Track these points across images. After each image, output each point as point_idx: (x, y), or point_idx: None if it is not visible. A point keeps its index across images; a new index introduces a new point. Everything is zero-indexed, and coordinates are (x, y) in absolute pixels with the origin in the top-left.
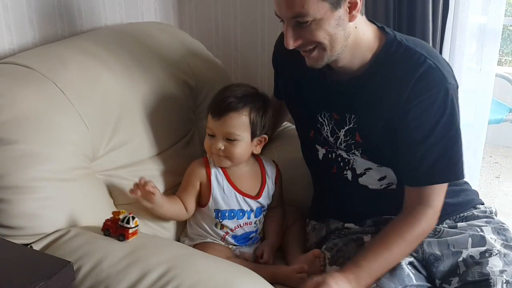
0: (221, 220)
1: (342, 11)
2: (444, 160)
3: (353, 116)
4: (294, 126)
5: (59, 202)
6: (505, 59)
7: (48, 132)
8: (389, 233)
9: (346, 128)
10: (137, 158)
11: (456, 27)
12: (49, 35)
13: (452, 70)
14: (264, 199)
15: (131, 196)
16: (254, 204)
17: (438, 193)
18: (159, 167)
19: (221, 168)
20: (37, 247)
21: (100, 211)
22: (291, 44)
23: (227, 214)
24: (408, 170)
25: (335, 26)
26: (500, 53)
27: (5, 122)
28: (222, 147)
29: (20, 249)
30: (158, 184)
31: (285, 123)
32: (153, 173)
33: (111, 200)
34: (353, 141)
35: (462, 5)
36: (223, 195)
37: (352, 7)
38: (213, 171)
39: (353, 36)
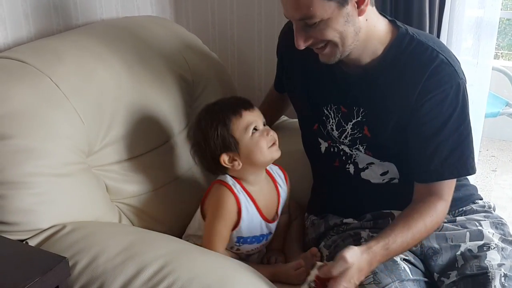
0: (240, 245)
1: (350, 7)
2: (456, 155)
3: (361, 110)
4: (291, 120)
5: (55, 198)
6: (501, 53)
7: (43, 127)
8: (411, 215)
9: (354, 121)
10: (133, 153)
11: (452, 21)
12: (44, 29)
13: (460, 65)
14: (279, 218)
15: None
16: (273, 226)
17: (450, 187)
18: (156, 162)
19: (243, 188)
20: (32, 242)
21: (96, 206)
22: (301, 45)
23: (248, 240)
24: (419, 166)
25: (344, 23)
26: (496, 46)
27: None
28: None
29: (15, 245)
30: (155, 180)
31: (283, 116)
32: (150, 169)
33: (107, 196)
34: (360, 135)
35: None
36: (251, 224)
37: (360, 1)
38: (241, 198)
39: (364, 29)
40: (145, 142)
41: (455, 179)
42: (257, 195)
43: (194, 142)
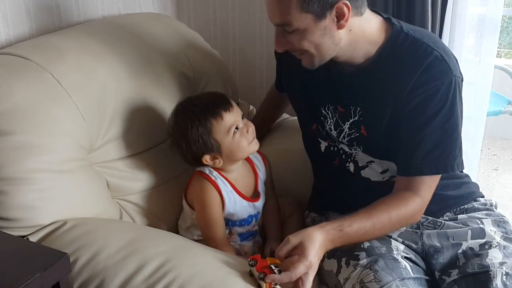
0: (231, 227)
1: (329, 21)
2: (437, 152)
3: (358, 109)
4: (292, 117)
5: (56, 194)
6: (503, 51)
7: (45, 123)
8: (376, 206)
9: (351, 121)
10: (134, 150)
11: (455, 18)
12: (46, 26)
13: (458, 63)
14: (262, 197)
15: None
16: (258, 205)
17: (429, 184)
18: (157, 159)
19: (221, 175)
20: (33, 239)
21: (97, 203)
22: (279, 49)
23: (237, 222)
24: (401, 159)
25: (320, 36)
26: (498, 45)
27: (1, 113)
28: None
29: (16, 240)
30: (156, 177)
31: (284, 114)
32: (151, 166)
33: (108, 192)
34: (357, 134)
35: None
36: (236, 207)
37: (340, 16)
38: (220, 183)
39: (347, 39)
40: (146, 139)
41: (437, 177)
42: (234, 179)
43: (174, 141)
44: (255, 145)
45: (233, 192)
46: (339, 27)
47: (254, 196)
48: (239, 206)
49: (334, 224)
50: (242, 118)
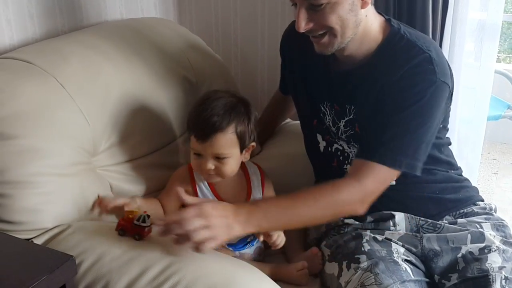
0: None
1: None
2: (392, 144)
3: (353, 107)
4: (294, 122)
5: (60, 197)
6: (503, 56)
7: (49, 127)
8: (305, 190)
9: (346, 119)
10: (138, 153)
11: (455, 23)
12: (49, 30)
13: (451, 74)
14: None
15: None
16: None
17: (375, 175)
18: (160, 163)
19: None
20: (37, 242)
21: None
22: (302, 26)
23: None
24: (363, 143)
25: (348, 11)
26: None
27: (5, 117)
28: (213, 167)
29: (22, 243)
30: (158, 180)
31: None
32: (154, 169)
33: (112, 196)
34: (352, 132)
35: (462, 1)
36: None
37: None
38: (199, 185)
39: (363, 24)
40: (149, 143)
41: (383, 170)
42: (219, 186)
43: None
44: (208, 178)
45: (209, 193)
46: (363, 5)
47: None
48: None
49: (249, 206)
50: (223, 158)
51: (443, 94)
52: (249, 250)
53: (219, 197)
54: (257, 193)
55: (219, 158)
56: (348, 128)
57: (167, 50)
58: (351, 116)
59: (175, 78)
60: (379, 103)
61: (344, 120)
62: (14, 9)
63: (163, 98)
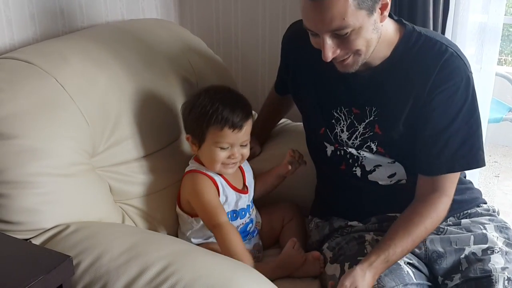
0: None
1: (376, 14)
2: (466, 148)
3: (374, 109)
4: (294, 123)
5: (59, 198)
6: (505, 59)
7: (48, 128)
8: (411, 219)
9: (367, 121)
10: (137, 154)
11: (456, 26)
12: (50, 31)
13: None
14: (251, 191)
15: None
16: (246, 197)
17: (453, 181)
18: (160, 164)
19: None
20: (36, 242)
21: (99, 207)
22: (329, 56)
23: (229, 214)
24: (428, 159)
25: (372, 31)
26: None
27: (5, 117)
28: (240, 155)
29: (20, 243)
30: (159, 181)
31: (286, 120)
32: (153, 170)
33: (111, 196)
34: (371, 133)
35: (463, 4)
36: (228, 197)
37: (383, 7)
38: (212, 174)
39: (382, 34)
40: (149, 144)
41: (458, 174)
42: (229, 177)
43: (187, 104)
44: (228, 169)
45: (223, 181)
46: (382, 19)
47: (243, 188)
48: (231, 197)
49: (380, 256)
50: (244, 145)
51: (473, 82)
52: (249, 245)
53: (226, 179)
54: (246, 167)
55: (242, 146)
56: (367, 130)
57: (167, 52)
58: (371, 118)
59: (175, 80)
60: (416, 110)
61: (364, 123)
62: (15, 9)
63: (163, 99)
